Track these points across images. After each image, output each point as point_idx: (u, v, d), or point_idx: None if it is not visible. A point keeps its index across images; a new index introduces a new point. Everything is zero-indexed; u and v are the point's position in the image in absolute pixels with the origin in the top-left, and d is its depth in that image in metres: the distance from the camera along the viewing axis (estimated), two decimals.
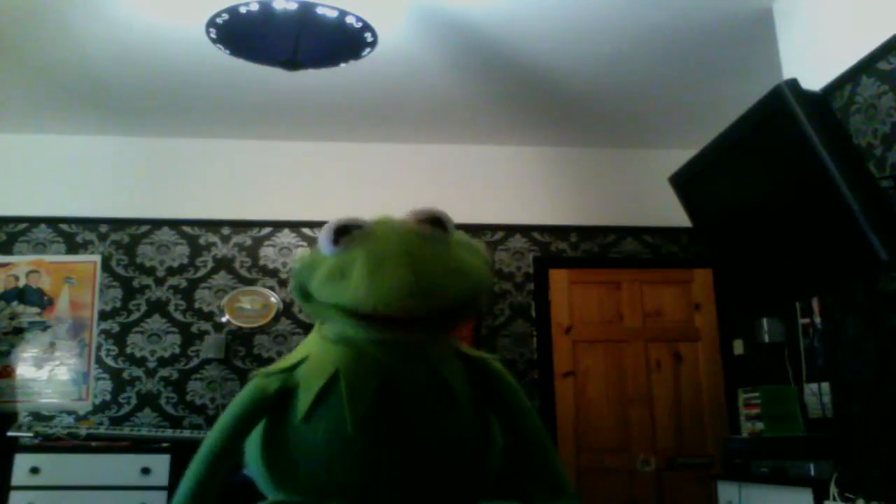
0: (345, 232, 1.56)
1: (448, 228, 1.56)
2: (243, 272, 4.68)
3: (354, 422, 1.49)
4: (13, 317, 4.51)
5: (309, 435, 1.53)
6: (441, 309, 1.46)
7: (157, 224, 4.71)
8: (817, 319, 3.70)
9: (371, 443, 1.51)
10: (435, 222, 1.56)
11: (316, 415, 1.53)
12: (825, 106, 2.55)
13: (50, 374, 4.44)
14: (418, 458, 1.53)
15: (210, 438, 1.61)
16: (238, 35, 3.11)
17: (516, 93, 4.23)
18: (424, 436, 1.54)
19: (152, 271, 4.65)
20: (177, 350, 4.53)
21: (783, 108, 2.25)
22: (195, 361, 4.52)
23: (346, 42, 3.18)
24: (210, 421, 4.39)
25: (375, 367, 1.53)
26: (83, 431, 3.98)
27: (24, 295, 4.55)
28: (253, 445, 1.65)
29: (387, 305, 1.42)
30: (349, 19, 3.03)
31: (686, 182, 2.90)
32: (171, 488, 3.75)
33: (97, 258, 4.63)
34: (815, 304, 3.72)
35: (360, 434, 1.50)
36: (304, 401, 1.55)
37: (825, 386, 3.50)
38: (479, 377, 1.69)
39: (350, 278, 1.47)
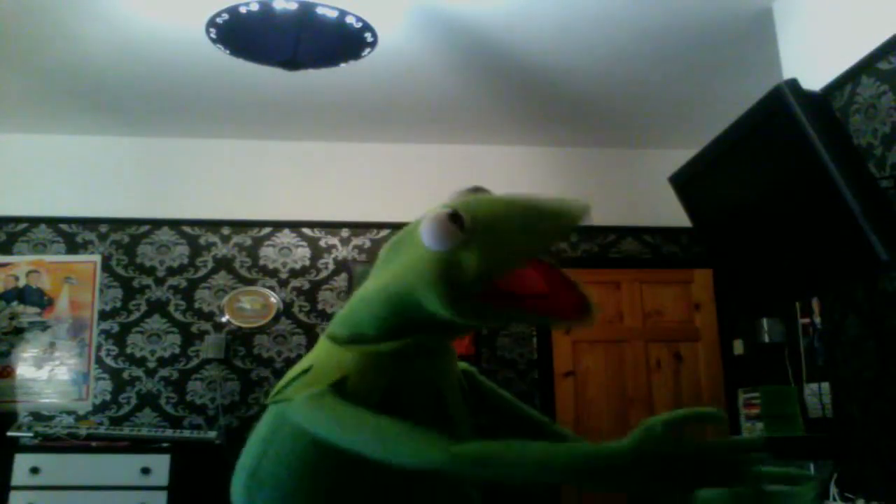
0: (457, 219, 1.49)
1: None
2: (243, 272, 4.68)
3: None
4: (13, 317, 4.51)
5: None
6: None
7: (157, 224, 4.71)
8: (817, 319, 3.70)
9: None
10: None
11: None
12: (825, 106, 2.55)
13: (50, 374, 4.44)
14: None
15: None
16: (238, 35, 3.11)
17: (516, 93, 4.23)
18: None
19: (152, 271, 4.65)
20: (177, 350, 4.54)
21: (783, 108, 2.25)
22: (195, 361, 4.53)
23: (346, 42, 3.18)
24: (210, 421, 4.39)
25: (381, 374, 1.49)
26: (83, 431, 3.98)
27: (24, 295, 4.55)
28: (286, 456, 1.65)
29: (563, 229, 1.58)
30: (349, 19, 3.03)
31: (686, 182, 2.90)
32: (171, 488, 3.75)
33: (97, 258, 4.63)
34: (815, 304, 3.72)
35: None
36: None
37: (825, 386, 3.50)
38: (469, 388, 1.71)
39: (512, 222, 1.56)
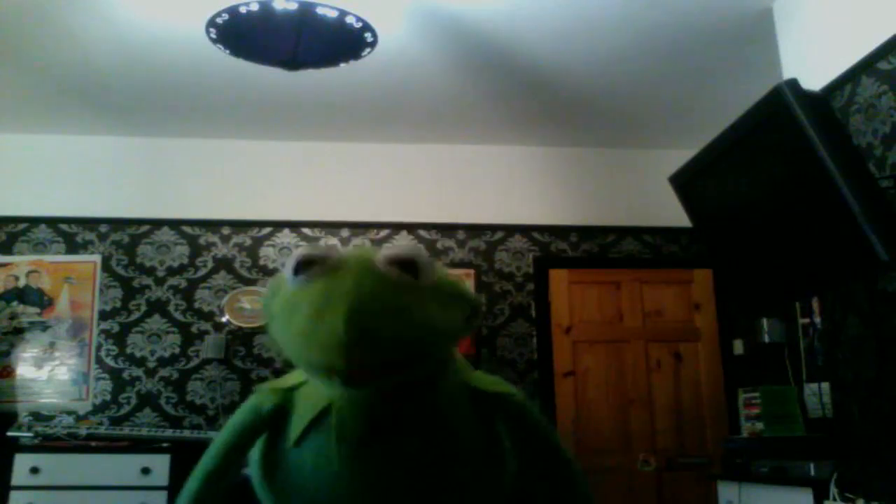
0: (310, 263, 1.41)
1: (421, 273, 1.41)
2: (243, 272, 4.68)
3: (341, 458, 1.46)
4: (13, 317, 4.50)
5: (298, 461, 1.51)
6: (381, 363, 1.35)
7: (157, 224, 4.71)
8: (817, 319, 3.71)
9: (358, 480, 1.47)
10: (408, 266, 1.41)
11: (306, 442, 1.50)
12: (825, 106, 2.55)
13: (50, 374, 4.44)
14: (407, 500, 1.51)
15: (206, 457, 1.58)
16: (238, 35, 3.11)
17: (516, 93, 4.23)
18: (416, 479, 1.49)
19: (152, 271, 4.65)
20: (177, 350, 4.53)
21: (783, 108, 2.25)
22: (195, 361, 4.52)
23: (346, 42, 3.18)
24: (210, 421, 4.39)
25: (367, 406, 1.47)
26: (83, 431, 3.98)
27: (24, 295, 4.55)
28: (254, 462, 1.63)
29: (318, 363, 1.34)
30: (349, 19, 3.03)
31: (686, 182, 2.90)
32: (170, 488, 3.75)
33: (97, 258, 4.63)
34: (815, 304, 3.72)
35: (346, 470, 1.46)
36: (295, 426, 1.52)
37: (825, 386, 3.50)
38: (495, 415, 1.59)
39: (297, 319, 1.38)
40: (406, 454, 1.48)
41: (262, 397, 1.58)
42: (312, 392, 1.53)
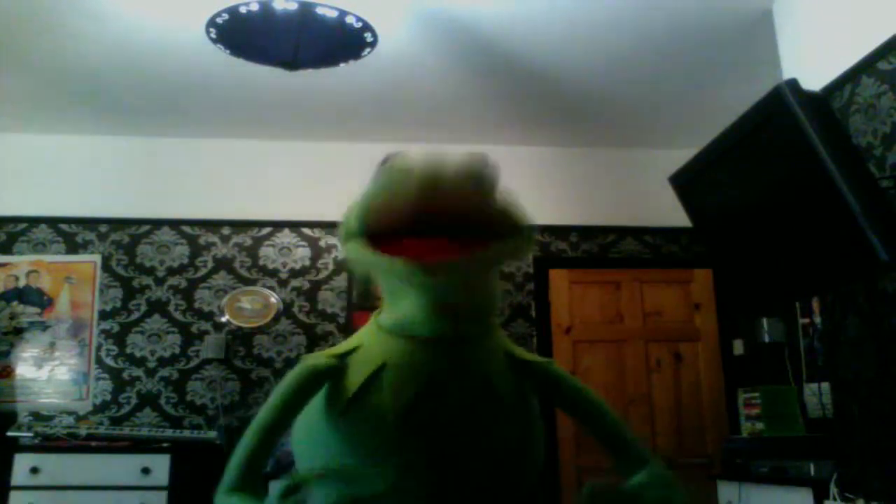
0: (388, 160, 1.56)
1: (487, 169, 1.52)
2: (243, 272, 4.68)
3: (395, 417, 1.47)
4: (13, 317, 4.50)
5: (349, 424, 1.51)
6: (450, 225, 1.41)
7: (157, 224, 4.71)
8: (817, 319, 3.70)
9: (409, 441, 1.49)
10: (477, 163, 1.51)
11: (358, 404, 1.50)
12: (825, 106, 2.56)
13: (50, 374, 4.44)
14: (455, 462, 1.52)
15: (261, 413, 1.58)
16: (238, 35, 3.11)
17: (516, 93, 4.23)
18: (464, 440, 1.51)
19: (152, 271, 4.65)
20: (177, 350, 4.53)
21: (783, 108, 2.25)
22: (195, 361, 4.52)
23: (346, 42, 3.18)
24: (210, 421, 4.39)
25: (422, 365, 1.50)
26: (83, 431, 3.98)
27: (24, 295, 4.55)
28: (300, 428, 1.65)
29: (387, 207, 1.43)
30: (349, 19, 3.03)
31: (686, 182, 2.90)
32: (171, 488, 3.75)
33: (97, 258, 4.63)
34: (815, 304, 3.72)
35: (398, 431, 1.48)
36: (349, 388, 1.52)
37: (825, 386, 3.50)
38: (538, 382, 1.66)
39: (370, 190, 1.50)
40: (457, 413, 1.50)
41: (314, 360, 1.59)
42: (367, 354, 1.55)
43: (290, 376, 1.59)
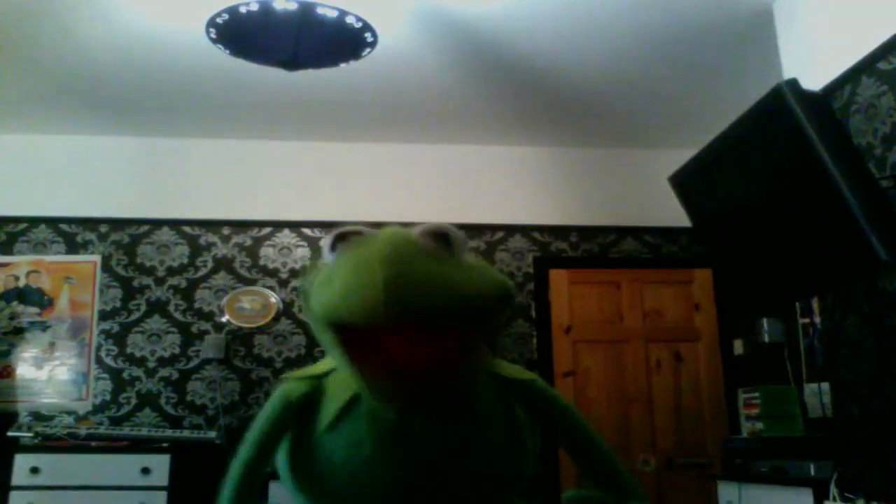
0: (344, 239, 1.49)
1: (454, 245, 1.46)
2: (243, 272, 4.68)
3: (373, 442, 1.48)
4: (13, 317, 4.50)
5: (330, 447, 1.52)
6: (420, 321, 1.37)
7: (157, 224, 4.71)
8: (817, 319, 3.70)
9: (389, 464, 1.49)
10: (442, 238, 1.46)
11: (337, 429, 1.51)
12: (825, 106, 2.55)
13: (50, 374, 4.44)
14: (438, 484, 1.52)
15: (242, 449, 1.60)
16: (238, 35, 3.10)
17: (516, 93, 4.23)
18: (444, 463, 1.51)
19: (152, 271, 4.65)
20: (177, 350, 4.53)
21: (783, 108, 2.26)
22: (195, 361, 4.52)
23: (346, 42, 3.18)
24: (210, 421, 4.39)
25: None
26: (83, 431, 3.98)
27: (24, 295, 4.55)
28: (282, 452, 1.65)
29: (351, 313, 1.36)
30: (349, 19, 3.03)
31: (686, 182, 2.90)
32: (170, 488, 3.75)
33: (97, 258, 4.63)
34: (815, 304, 3.72)
35: (377, 455, 1.49)
36: (328, 411, 1.54)
37: (825, 386, 3.50)
38: (520, 400, 1.64)
39: (335, 282, 1.42)
40: (436, 438, 1.50)
41: (290, 386, 1.60)
42: (344, 378, 1.55)
43: (267, 408, 1.61)
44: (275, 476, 1.66)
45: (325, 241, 1.52)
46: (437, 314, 1.39)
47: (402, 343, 1.42)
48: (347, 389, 1.52)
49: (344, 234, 1.48)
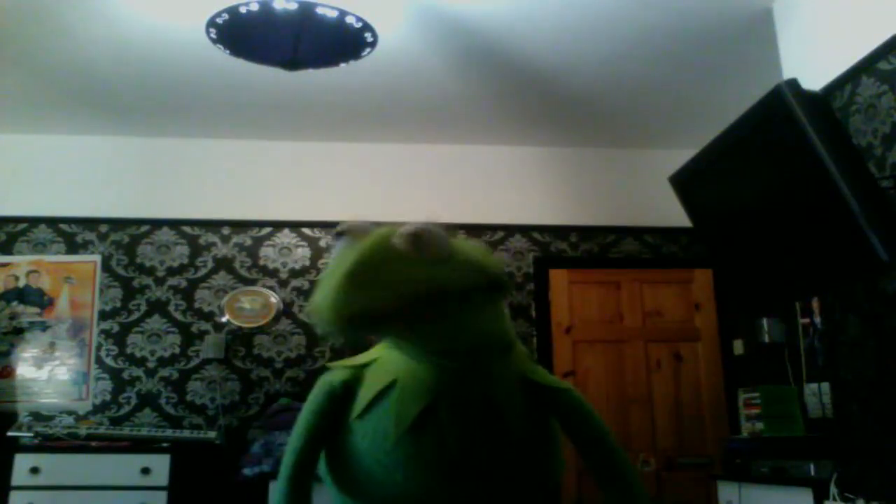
0: (347, 233, 1.57)
1: (432, 245, 1.49)
2: (243, 272, 4.68)
3: (397, 433, 1.52)
4: (13, 317, 4.50)
5: (359, 434, 1.57)
6: (357, 319, 1.42)
7: (157, 224, 4.71)
8: (817, 319, 3.70)
9: (412, 456, 1.52)
10: (423, 238, 1.49)
11: (368, 415, 1.56)
12: (825, 106, 2.56)
13: (50, 374, 4.44)
14: (455, 481, 1.54)
15: (293, 440, 1.65)
16: (238, 35, 3.11)
17: (516, 93, 4.23)
18: (465, 460, 1.53)
19: (152, 271, 4.65)
20: (177, 350, 4.53)
21: (783, 108, 2.26)
22: (195, 361, 4.52)
23: (346, 42, 3.18)
24: (210, 421, 4.39)
25: (430, 384, 1.55)
26: (83, 431, 3.98)
27: (24, 295, 4.55)
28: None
29: (324, 319, 1.43)
30: (349, 19, 3.03)
31: (686, 182, 2.90)
32: (171, 488, 3.75)
33: (97, 258, 4.63)
34: (815, 304, 3.72)
35: (399, 447, 1.52)
36: (361, 400, 1.59)
37: (825, 386, 3.50)
38: (549, 406, 1.67)
39: (336, 287, 1.47)
40: (459, 434, 1.53)
41: (332, 374, 1.66)
42: (382, 368, 1.60)
43: (311, 398, 1.66)
44: (275, 475, 1.69)
45: (333, 235, 1.62)
46: (382, 314, 1.43)
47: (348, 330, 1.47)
48: (383, 379, 1.57)
49: (344, 231, 1.56)
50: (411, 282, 1.44)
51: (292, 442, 1.63)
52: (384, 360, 1.63)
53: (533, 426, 1.62)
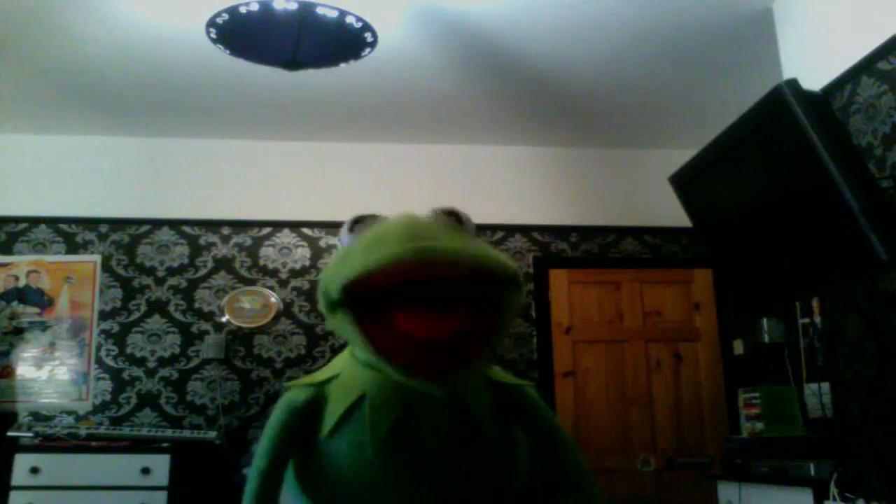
0: (361, 222, 1.59)
1: (463, 221, 1.59)
2: (243, 272, 4.68)
3: (374, 445, 1.50)
4: (13, 317, 4.50)
5: (332, 451, 1.54)
6: (448, 278, 1.42)
7: (157, 224, 4.71)
8: (817, 319, 3.70)
9: (390, 467, 1.51)
10: (451, 216, 1.58)
11: (340, 432, 1.54)
12: (825, 106, 2.56)
13: (50, 374, 4.44)
14: (437, 486, 1.54)
15: (256, 460, 1.61)
16: (238, 35, 3.10)
17: (516, 93, 4.23)
18: (443, 464, 1.54)
19: (152, 271, 4.65)
20: (177, 350, 4.53)
21: (783, 108, 2.26)
22: (195, 361, 4.52)
23: (346, 42, 3.18)
24: (210, 421, 4.39)
25: (399, 394, 1.52)
26: (83, 431, 3.98)
27: (24, 295, 4.55)
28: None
29: (377, 261, 1.40)
30: (349, 19, 3.03)
31: (686, 182, 2.91)
32: (170, 488, 3.75)
33: (97, 258, 4.63)
34: (815, 304, 3.72)
35: (379, 457, 1.51)
36: (330, 417, 1.56)
37: (825, 386, 3.50)
38: (511, 404, 1.66)
39: (355, 254, 1.49)
40: (435, 440, 1.52)
41: (294, 392, 1.62)
42: (346, 383, 1.57)
43: (274, 417, 1.62)
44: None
45: (344, 226, 1.61)
46: (463, 265, 1.44)
47: (417, 318, 1.43)
48: (350, 394, 1.54)
49: (362, 218, 1.58)
50: (485, 248, 1.49)
51: (256, 463, 1.59)
52: (347, 375, 1.59)
53: (503, 426, 1.63)
